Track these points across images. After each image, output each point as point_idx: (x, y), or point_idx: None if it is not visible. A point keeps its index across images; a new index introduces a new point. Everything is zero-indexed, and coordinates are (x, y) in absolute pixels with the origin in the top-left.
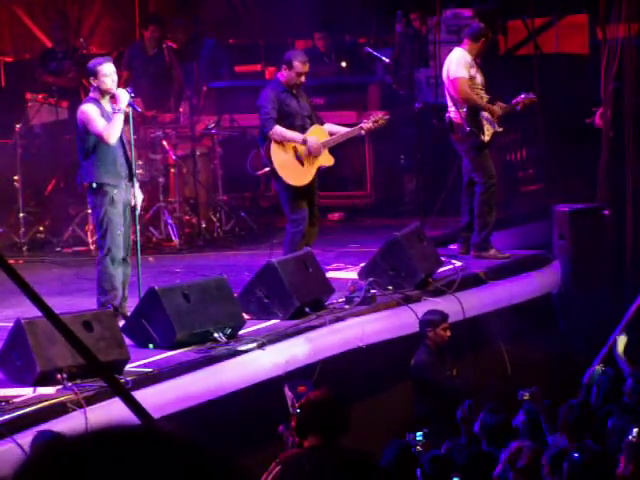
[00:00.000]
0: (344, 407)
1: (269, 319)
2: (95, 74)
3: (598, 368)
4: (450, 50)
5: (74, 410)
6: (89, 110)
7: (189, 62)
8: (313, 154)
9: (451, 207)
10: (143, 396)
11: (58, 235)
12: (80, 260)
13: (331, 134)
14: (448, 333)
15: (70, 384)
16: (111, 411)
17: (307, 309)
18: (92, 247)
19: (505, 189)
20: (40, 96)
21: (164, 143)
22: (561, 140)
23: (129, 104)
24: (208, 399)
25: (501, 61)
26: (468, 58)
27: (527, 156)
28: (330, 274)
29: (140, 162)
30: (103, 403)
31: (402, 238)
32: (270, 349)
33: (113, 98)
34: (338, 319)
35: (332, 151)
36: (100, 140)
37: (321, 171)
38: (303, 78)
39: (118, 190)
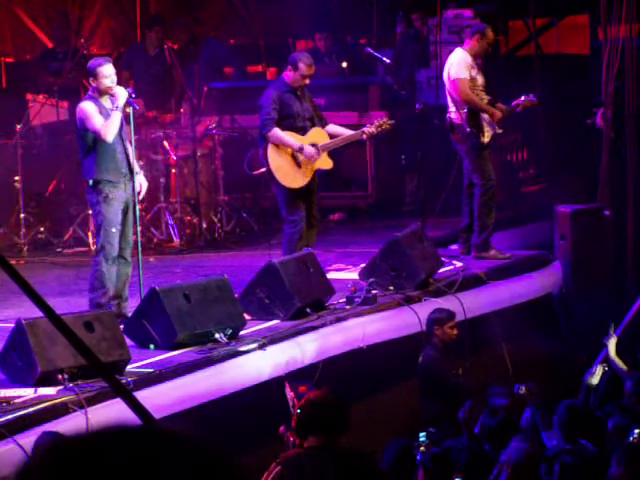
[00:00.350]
0: (344, 407)
1: (270, 319)
2: (95, 75)
3: (599, 368)
4: (451, 51)
5: (75, 411)
6: (87, 107)
7: (190, 63)
8: (309, 161)
9: (452, 208)
10: (144, 396)
11: (59, 236)
12: (81, 261)
13: (333, 135)
14: (455, 331)
15: (71, 385)
16: (112, 412)
17: (308, 310)
18: (93, 248)
19: (506, 189)
20: (41, 96)
21: (165, 144)
22: (562, 140)
23: (128, 102)
24: (209, 399)
25: (502, 61)
26: (469, 59)
27: (528, 156)
28: (331, 275)
29: (141, 162)
30: (104, 404)
31: (403, 238)
32: (271, 350)
33: (112, 97)
34: (339, 320)
35: (332, 151)
36: (97, 137)
37: (319, 173)
38: (307, 80)
39: (116, 188)
